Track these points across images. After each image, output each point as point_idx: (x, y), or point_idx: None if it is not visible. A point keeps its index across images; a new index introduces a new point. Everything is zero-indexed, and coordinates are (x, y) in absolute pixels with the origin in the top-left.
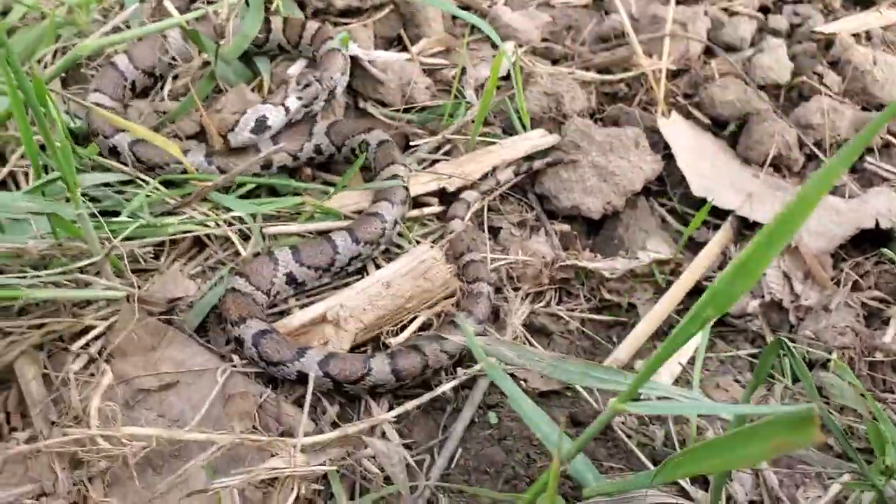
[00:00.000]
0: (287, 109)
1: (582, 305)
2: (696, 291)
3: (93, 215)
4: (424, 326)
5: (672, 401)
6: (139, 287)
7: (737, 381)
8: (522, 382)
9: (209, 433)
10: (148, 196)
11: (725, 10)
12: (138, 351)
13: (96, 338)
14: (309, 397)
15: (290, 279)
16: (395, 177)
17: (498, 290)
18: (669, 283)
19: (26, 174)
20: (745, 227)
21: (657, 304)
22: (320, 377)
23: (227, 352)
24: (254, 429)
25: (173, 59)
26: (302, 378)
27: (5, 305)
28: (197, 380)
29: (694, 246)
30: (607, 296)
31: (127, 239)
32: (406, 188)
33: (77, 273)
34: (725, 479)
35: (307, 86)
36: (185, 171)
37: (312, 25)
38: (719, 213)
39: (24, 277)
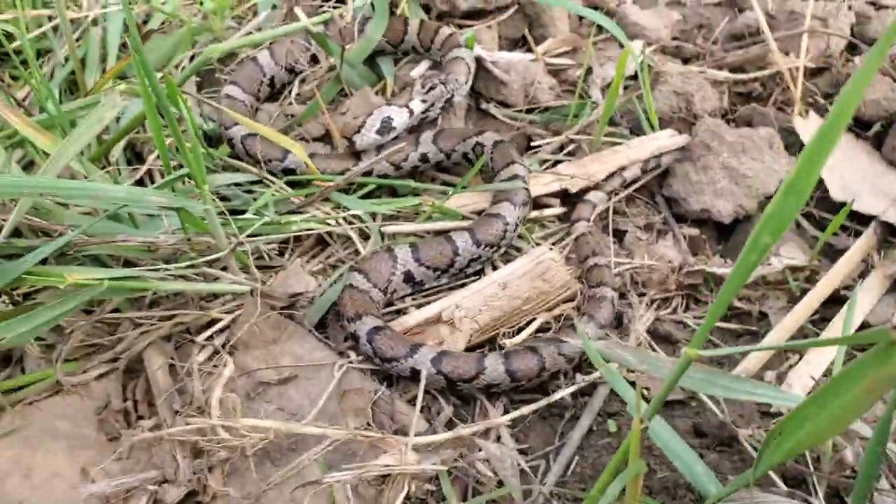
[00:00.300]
0: (411, 111)
1: None
2: (834, 301)
3: (221, 212)
4: (542, 329)
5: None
6: (263, 282)
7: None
8: (644, 391)
9: (324, 427)
10: (274, 195)
11: (872, 3)
12: (260, 344)
13: (221, 330)
14: (421, 394)
15: (408, 278)
16: (515, 177)
17: (622, 296)
18: (804, 292)
19: (162, 173)
20: (891, 234)
21: (790, 314)
22: (433, 374)
23: (345, 348)
24: (367, 425)
25: (313, 57)
26: (415, 375)
27: (138, 297)
28: (315, 374)
29: (832, 253)
30: (737, 303)
31: (252, 236)
32: (527, 189)
33: (204, 267)
34: (865, 499)
35: (431, 88)
36: (286, 170)
37: (445, 31)
38: (861, 219)
39: (157, 271)
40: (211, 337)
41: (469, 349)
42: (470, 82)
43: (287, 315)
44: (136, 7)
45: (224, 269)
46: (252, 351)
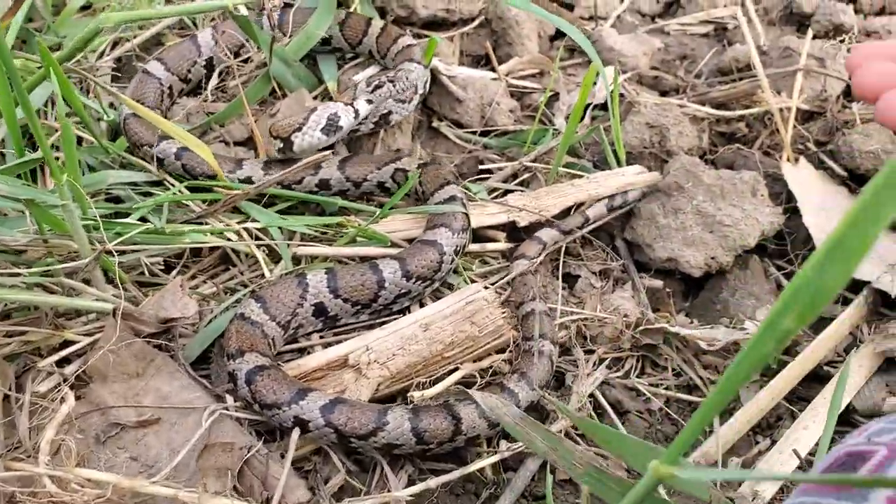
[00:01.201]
0: (356, 112)
1: (669, 381)
2: (815, 378)
3: (107, 215)
4: (465, 382)
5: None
6: (136, 302)
7: None
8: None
9: (177, 489)
10: (176, 194)
11: None
12: (121, 377)
13: (80, 355)
14: (292, 449)
15: (320, 311)
16: (452, 199)
17: (566, 351)
18: (782, 365)
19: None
20: (884, 304)
21: (763, 389)
22: (321, 426)
23: (225, 390)
24: (234, 490)
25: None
26: (301, 426)
27: None
28: (181, 420)
29: (816, 322)
30: (702, 372)
31: (135, 245)
32: (466, 213)
33: (62, 277)
34: None
35: (378, 87)
36: (157, 159)
37: (405, 40)
38: (850, 285)
39: (11, 276)
40: (63, 362)
41: (377, 401)
42: (417, 100)
43: (158, 344)
44: None
45: (87, 282)
46: (110, 384)
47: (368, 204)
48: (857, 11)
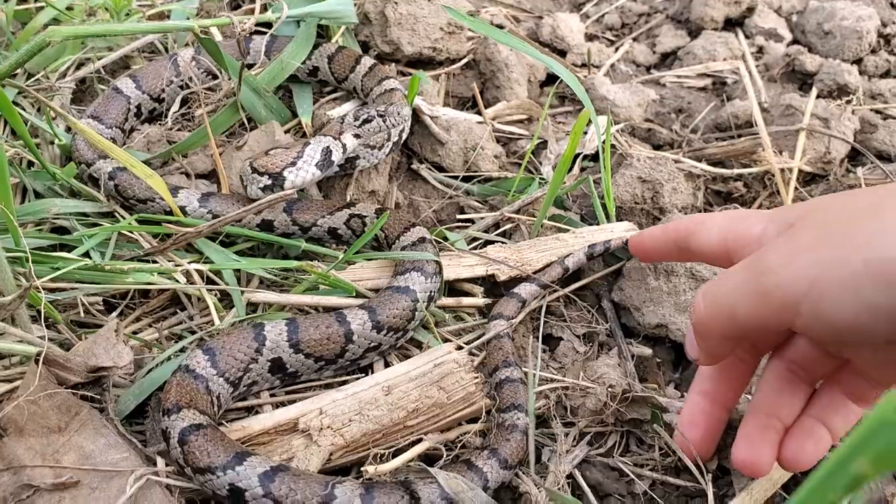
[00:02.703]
0: (344, 147)
1: (655, 461)
2: None
3: (49, 247)
4: (429, 455)
5: None
6: (68, 346)
7: None
8: None
9: None
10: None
11: (879, 112)
12: (40, 431)
13: None
14: None
15: (278, 367)
16: (422, 241)
17: (544, 422)
18: None
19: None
20: None
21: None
22: (259, 497)
23: (159, 451)
24: None
25: (250, 64)
26: (236, 496)
27: None
28: (103, 484)
29: None
30: None
31: (72, 283)
32: (438, 261)
33: None
34: None
35: (367, 121)
36: (91, 178)
37: (389, 83)
38: None
39: None
40: None
41: (328, 472)
42: (389, 147)
43: (87, 395)
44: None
45: (13, 320)
46: (27, 439)
47: (335, 246)
48: (861, 73)
